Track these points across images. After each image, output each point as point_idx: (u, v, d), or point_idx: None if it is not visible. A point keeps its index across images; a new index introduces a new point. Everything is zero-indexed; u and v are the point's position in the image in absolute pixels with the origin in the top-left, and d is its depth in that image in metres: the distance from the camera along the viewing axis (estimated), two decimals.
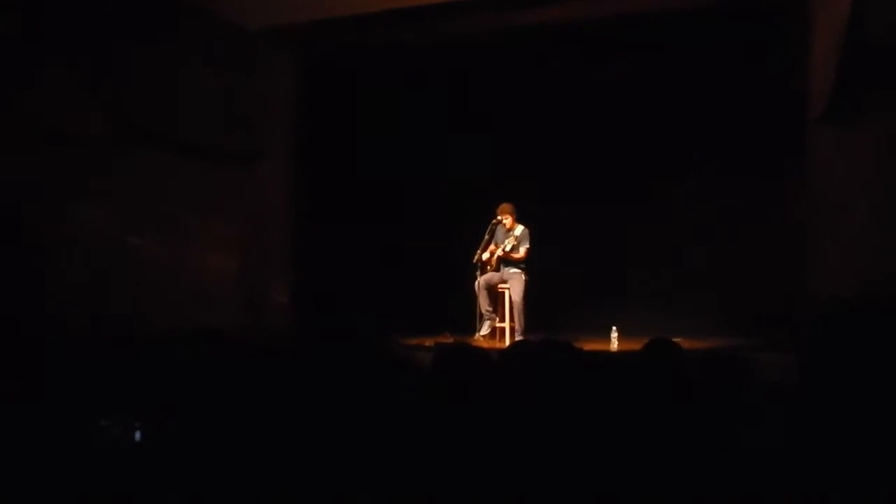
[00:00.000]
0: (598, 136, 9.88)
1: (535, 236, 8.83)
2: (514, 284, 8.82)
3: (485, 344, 8.61)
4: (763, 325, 8.38)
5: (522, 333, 8.63)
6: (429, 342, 8.29)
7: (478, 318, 8.82)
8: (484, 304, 8.84)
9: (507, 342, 8.52)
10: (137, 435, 2.64)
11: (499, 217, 8.84)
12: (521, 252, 8.78)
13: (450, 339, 8.61)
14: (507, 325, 8.86)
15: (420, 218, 10.36)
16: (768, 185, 8.59)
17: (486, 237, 8.88)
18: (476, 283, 8.82)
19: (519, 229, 8.85)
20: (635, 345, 3.19)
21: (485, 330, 8.86)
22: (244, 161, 9.04)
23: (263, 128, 9.10)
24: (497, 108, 10.28)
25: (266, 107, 9.13)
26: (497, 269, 8.91)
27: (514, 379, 2.85)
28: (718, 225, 9.39)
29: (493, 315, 8.93)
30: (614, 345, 8.19)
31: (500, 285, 8.97)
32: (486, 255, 8.91)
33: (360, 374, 2.83)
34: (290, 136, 9.42)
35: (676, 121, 9.50)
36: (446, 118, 10.45)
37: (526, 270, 8.84)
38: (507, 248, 8.74)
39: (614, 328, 8.29)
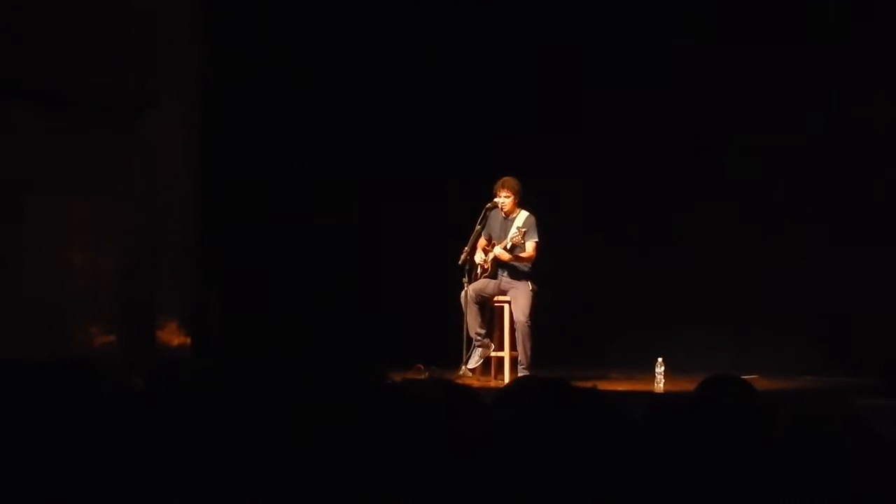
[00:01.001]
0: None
1: (544, 227, 8.87)
2: (517, 297, 8.82)
3: (474, 381, 8.63)
4: (878, 359, 8.54)
5: (528, 367, 8.65)
6: (396, 379, 8.29)
7: (465, 343, 8.84)
8: (473, 324, 8.84)
9: (507, 379, 8.56)
10: None
11: (496, 199, 8.85)
12: (530, 249, 8.79)
13: (423, 375, 8.62)
14: (506, 353, 8.87)
15: (383, 198, 10.36)
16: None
17: (478, 228, 8.88)
18: (462, 294, 8.82)
19: (523, 216, 8.84)
20: (690, 385, 3.21)
21: (474, 361, 8.87)
22: (123, 115, 9.01)
23: (152, 65, 9.09)
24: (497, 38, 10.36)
25: (156, 34, 9.12)
26: (493, 276, 8.92)
27: (512, 432, 2.85)
28: (806, 227, 9.62)
29: (487, 340, 8.94)
30: (659, 384, 8.22)
31: (496, 298, 8.98)
32: (477, 256, 8.93)
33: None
34: (192, 78, 9.40)
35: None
36: (423, 47, 10.46)
37: (534, 278, 8.87)
38: (510, 244, 8.73)
39: (660, 361, 8.33)
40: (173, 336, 9.01)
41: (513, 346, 8.81)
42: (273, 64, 10.02)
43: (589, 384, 3.07)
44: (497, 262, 8.87)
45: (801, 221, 9.64)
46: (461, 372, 8.74)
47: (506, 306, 8.92)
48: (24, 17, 8.14)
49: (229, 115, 9.72)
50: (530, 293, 8.78)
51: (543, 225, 8.84)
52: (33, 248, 8.42)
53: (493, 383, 8.71)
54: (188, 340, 9.08)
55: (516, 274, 8.86)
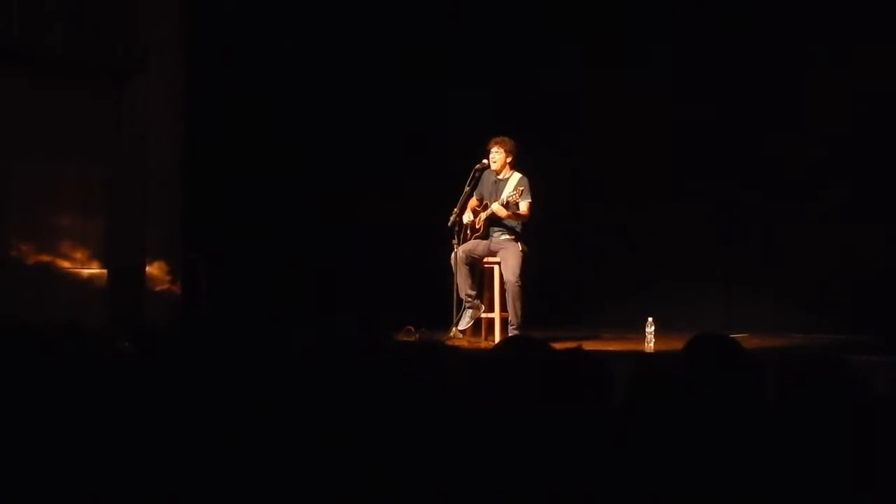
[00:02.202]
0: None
1: (537, 188, 8.86)
2: (507, 258, 8.82)
3: (465, 342, 8.65)
4: (873, 315, 8.57)
5: (519, 328, 8.67)
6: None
7: (455, 305, 8.85)
8: (464, 285, 8.84)
9: (497, 339, 8.58)
10: None
11: (488, 158, 8.84)
12: (524, 209, 8.77)
13: (413, 337, 8.64)
14: (496, 315, 8.89)
15: (374, 165, 10.33)
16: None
17: (467, 189, 8.87)
18: (452, 255, 8.82)
19: (515, 177, 8.82)
20: (681, 344, 3.22)
21: (465, 322, 8.88)
22: (110, 79, 8.95)
23: (137, 27, 9.04)
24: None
25: None
26: (484, 236, 8.93)
27: (503, 392, 2.87)
28: (792, 182, 9.63)
29: (478, 301, 8.96)
30: (650, 343, 8.23)
31: (486, 259, 8.98)
32: (467, 217, 8.92)
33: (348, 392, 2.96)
34: (179, 43, 9.35)
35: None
36: (421, 20, 10.43)
37: (524, 238, 8.86)
38: (505, 202, 8.69)
39: (650, 320, 8.35)
40: (160, 301, 9.01)
41: (503, 308, 8.82)
42: (260, 27, 9.97)
43: (575, 344, 3.09)
44: (489, 223, 8.87)
45: (796, 177, 9.61)
46: (451, 333, 8.75)
47: (496, 267, 8.91)
48: None
49: (216, 80, 9.67)
50: (520, 254, 8.77)
51: (535, 186, 8.84)
52: (20, 214, 8.40)
53: (483, 344, 8.72)
54: (176, 306, 9.07)
55: (507, 234, 8.86)
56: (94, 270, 8.92)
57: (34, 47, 8.32)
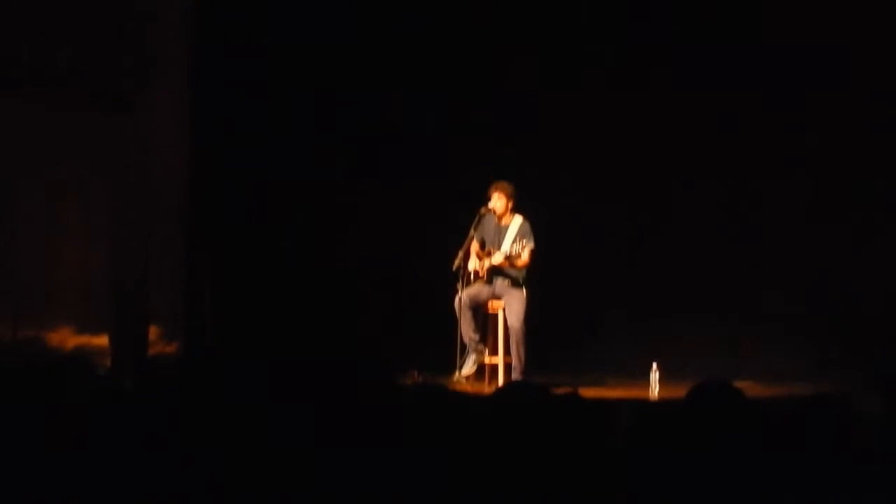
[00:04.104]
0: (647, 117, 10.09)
1: (539, 232, 8.89)
2: (511, 303, 8.83)
3: (468, 387, 8.64)
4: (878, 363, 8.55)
5: (522, 373, 8.66)
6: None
7: (458, 349, 8.85)
8: (467, 330, 8.84)
9: (501, 384, 8.56)
10: None
11: (489, 204, 8.87)
12: (525, 255, 8.81)
13: (417, 381, 8.62)
14: (500, 360, 8.88)
15: (383, 201, 10.33)
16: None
17: (472, 233, 8.90)
18: (457, 300, 8.83)
19: (517, 222, 8.85)
20: (686, 391, 3.23)
21: (469, 367, 8.88)
22: (115, 105, 8.99)
23: (143, 50, 9.07)
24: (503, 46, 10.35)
25: (147, 22, 9.11)
26: (488, 281, 8.94)
27: (505, 437, 2.88)
28: (799, 231, 9.63)
29: (481, 346, 8.96)
30: (654, 390, 8.24)
31: (491, 304, 8.99)
32: (472, 263, 8.93)
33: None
34: (186, 67, 9.38)
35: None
36: (431, 50, 10.44)
37: (528, 283, 8.86)
38: (511, 251, 8.73)
39: (655, 366, 8.34)
40: (164, 332, 9.01)
41: (507, 352, 8.82)
42: (266, 51, 9.97)
43: (572, 390, 3.09)
44: (492, 268, 8.89)
45: (800, 221, 9.60)
46: (455, 378, 8.75)
47: (500, 312, 8.92)
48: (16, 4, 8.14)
49: (222, 106, 9.67)
50: (524, 299, 8.80)
51: (537, 229, 8.86)
52: (22, 246, 8.42)
53: (486, 390, 8.71)
54: (179, 338, 9.06)
55: (511, 280, 8.88)
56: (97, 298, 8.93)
57: (40, 69, 8.34)
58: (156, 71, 9.11)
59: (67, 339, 8.70)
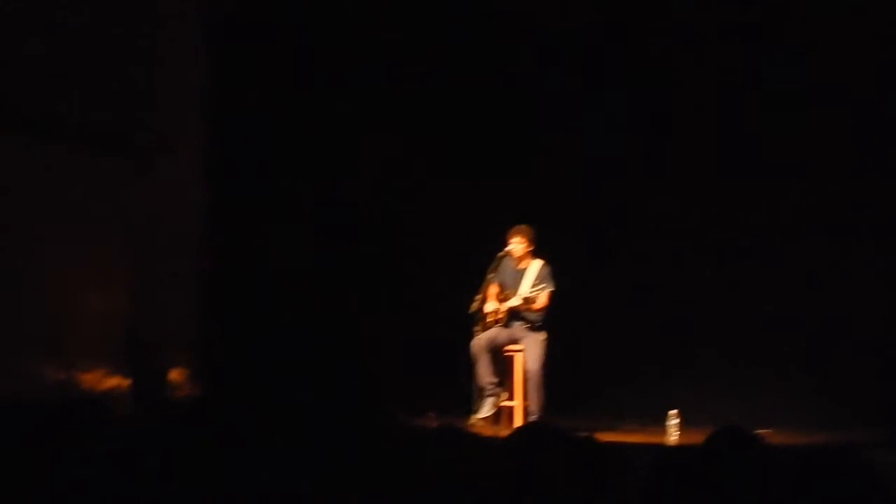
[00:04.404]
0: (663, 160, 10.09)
1: (559, 277, 8.88)
2: (529, 346, 8.81)
3: (486, 430, 8.61)
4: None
5: (540, 417, 8.61)
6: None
7: (475, 392, 8.83)
8: (485, 373, 8.82)
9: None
10: None
11: (508, 246, 8.87)
12: (543, 298, 8.81)
13: (434, 423, 8.60)
14: (517, 403, 8.85)
15: (392, 245, 10.36)
16: None
17: (490, 276, 8.89)
18: (474, 342, 8.82)
19: (536, 266, 8.85)
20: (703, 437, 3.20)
21: (486, 410, 8.84)
22: (133, 155, 9.05)
23: (160, 105, 9.14)
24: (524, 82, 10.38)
25: (166, 74, 9.19)
26: (505, 324, 8.93)
27: (519, 480, 2.86)
28: (824, 280, 9.58)
29: (499, 389, 8.93)
30: (673, 436, 8.19)
31: (509, 347, 8.98)
32: (489, 305, 8.92)
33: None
34: (201, 117, 9.44)
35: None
36: (445, 94, 10.49)
37: (547, 327, 8.85)
38: (528, 294, 8.73)
39: (673, 413, 8.30)
40: (181, 377, 9.03)
41: (524, 396, 8.80)
42: (281, 100, 10.04)
43: (589, 434, 3.07)
44: (510, 311, 8.88)
45: (830, 271, 9.57)
46: (472, 421, 8.72)
47: (518, 355, 8.90)
48: (35, 55, 8.21)
49: (237, 155, 9.73)
50: (543, 342, 8.78)
51: (556, 273, 8.85)
52: (40, 290, 8.46)
53: (503, 433, 8.66)
54: (195, 382, 9.08)
55: (529, 323, 8.86)
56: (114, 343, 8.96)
57: (60, 123, 8.41)
58: (174, 120, 9.16)
59: (100, 380, 8.73)
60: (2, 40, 7.92)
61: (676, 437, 8.16)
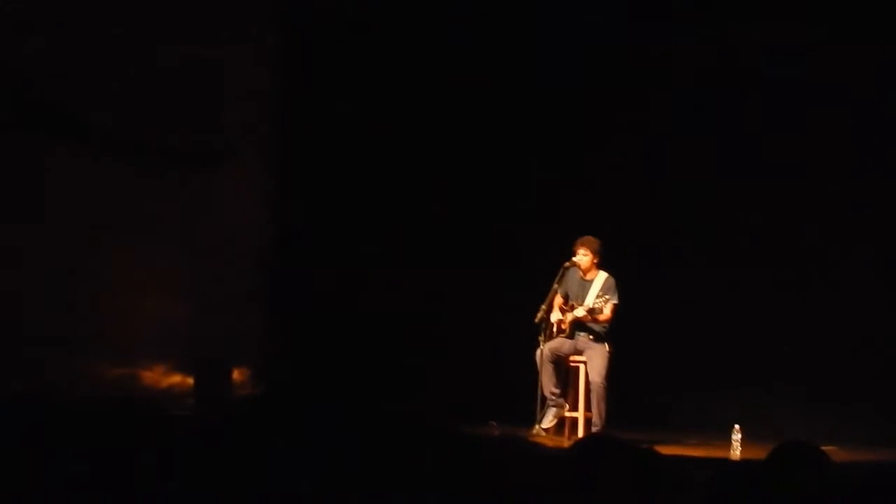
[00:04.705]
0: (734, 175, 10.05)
1: (625, 290, 8.85)
2: (593, 357, 8.78)
3: (547, 441, 8.58)
4: None
5: (602, 428, 8.58)
6: None
7: (538, 402, 8.82)
8: (548, 383, 8.80)
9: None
10: None
11: (574, 258, 8.85)
12: (608, 311, 8.78)
13: (496, 432, 8.60)
14: (580, 414, 8.82)
15: (459, 253, 10.38)
16: None
17: (555, 286, 8.87)
18: (538, 353, 8.80)
19: (601, 278, 8.82)
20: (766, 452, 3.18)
21: (548, 420, 8.82)
22: (200, 164, 9.13)
23: (231, 116, 9.21)
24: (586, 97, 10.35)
25: (232, 85, 9.25)
26: (570, 335, 8.90)
27: (581, 490, 2.85)
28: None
29: (562, 400, 8.90)
30: (736, 451, 8.12)
31: (572, 357, 8.95)
32: (554, 315, 8.91)
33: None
34: (270, 129, 9.51)
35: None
36: (505, 105, 10.49)
37: (611, 339, 8.83)
38: (593, 305, 8.71)
39: (737, 427, 8.24)
40: (244, 384, 9.10)
41: (587, 407, 8.77)
42: (346, 114, 10.09)
43: (650, 447, 3.06)
44: (575, 323, 8.86)
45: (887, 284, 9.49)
46: (534, 431, 8.70)
47: (582, 366, 8.88)
48: (111, 69, 8.32)
49: (302, 165, 9.80)
50: (607, 354, 8.76)
51: (623, 286, 8.82)
52: (107, 298, 8.56)
53: (566, 444, 8.65)
54: (257, 382, 9.15)
55: (593, 334, 8.84)
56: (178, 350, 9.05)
57: (127, 134, 8.51)
58: (242, 128, 9.24)
59: (161, 378, 8.83)
60: (74, 62, 8.01)
61: (739, 452, 8.09)
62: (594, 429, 8.64)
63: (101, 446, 3.18)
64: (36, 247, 7.99)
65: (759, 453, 7.40)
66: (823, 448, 3.29)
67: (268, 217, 9.46)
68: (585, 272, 8.87)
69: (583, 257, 8.82)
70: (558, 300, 8.94)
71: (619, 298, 8.78)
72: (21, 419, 3.28)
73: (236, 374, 9.16)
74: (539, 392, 8.80)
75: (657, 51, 10.10)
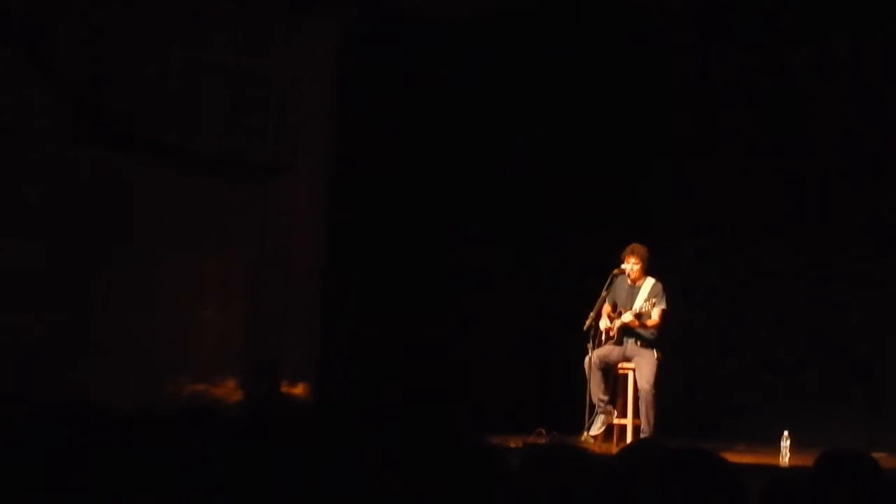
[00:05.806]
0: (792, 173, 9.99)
1: (673, 295, 8.82)
2: (642, 365, 8.76)
3: (596, 448, 8.57)
4: None
5: (651, 435, 8.55)
6: (515, 443, 8.30)
7: (587, 409, 8.80)
8: (597, 390, 8.79)
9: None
10: None
11: (623, 265, 8.83)
12: (655, 317, 8.75)
13: (544, 439, 8.59)
14: (629, 421, 8.80)
15: (512, 264, 10.38)
16: None
17: (604, 294, 8.85)
18: (587, 360, 8.79)
19: (649, 283, 8.80)
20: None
21: (597, 427, 8.81)
22: (257, 175, 9.19)
23: (287, 128, 9.26)
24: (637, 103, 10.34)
25: (292, 98, 9.30)
26: (618, 342, 8.88)
27: (631, 497, 2.84)
28: None
29: (610, 407, 8.89)
30: (785, 458, 8.07)
31: (621, 365, 8.93)
32: (603, 322, 8.89)
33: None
34: (326, 141, 9.55)
35: None
36: (560, 119, 10.49)
37: (660, 346, 8.80)
38: (639, 311, 8.69)
39: (786, 434, 8.18)
40: (299, 394, 9.14)
41: (636, 415, 8.74)
42: (404, 125, 10.12)
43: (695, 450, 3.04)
44: (623, 329, 8.84)
45: None
46: (583, 438, 8.69)
47: (630, 373, 8.86)
48: (171, 80, 8.39)
49: (360, 175, 9.84)
50: (656, 361, 8.72)
51: (671, 293, 8.79)
52: (163, 307, 8.62)
53: (614, 451, 8.62)
54: (313, 396, 9.19)
55: (642, 341, 8.81)
56: (233, 360, 9.10)
57: (187, 143, 8.58)
58: (297, 141, 9.29)
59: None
60: (147, 79, 8.10)
61: (788, 460, 8.04)
62: (643, 435, 8.60)
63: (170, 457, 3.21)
64: (87, 262, 8.04)
65: (808, 460, 7.38)
66: (873, 455, 3.26)
67: (322, 227, 9.50)
68: (634, 280, 8.85)
69: (633, 266, 8.79)
70: (606, 308, 8.92)
71: (668, 304, 8.74)
72: (99, 431, 3.31)
73: (292, 388, 9.21)
74: (588, 399, 8.78)
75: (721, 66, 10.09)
